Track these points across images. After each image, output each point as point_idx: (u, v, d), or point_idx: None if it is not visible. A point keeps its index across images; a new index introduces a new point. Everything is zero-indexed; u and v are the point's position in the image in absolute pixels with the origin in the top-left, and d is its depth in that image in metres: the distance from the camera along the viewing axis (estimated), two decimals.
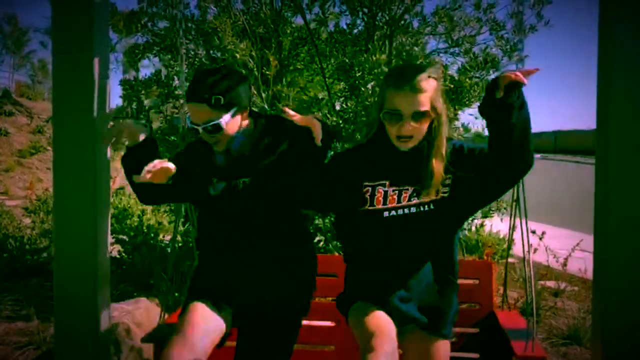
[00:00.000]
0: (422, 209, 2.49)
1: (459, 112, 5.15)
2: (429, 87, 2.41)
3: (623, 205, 2.54)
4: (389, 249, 2.52)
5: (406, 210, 2.49)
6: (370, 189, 2.50)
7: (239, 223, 2.67)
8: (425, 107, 2.38)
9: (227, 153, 2.68)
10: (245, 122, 2.71)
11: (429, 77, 2.42)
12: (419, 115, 2.39)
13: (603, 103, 2.64)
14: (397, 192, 2.49)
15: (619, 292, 2.55)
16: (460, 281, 2.81)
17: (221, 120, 2.55)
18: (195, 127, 2.58)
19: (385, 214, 2.49)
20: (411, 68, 2.63)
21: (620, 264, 2.55)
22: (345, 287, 2.69)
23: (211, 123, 2.54)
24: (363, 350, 2.23)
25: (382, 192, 2.49)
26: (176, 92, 5.37)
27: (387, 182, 2.49)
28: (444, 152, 2.46)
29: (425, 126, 2.43)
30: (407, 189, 2.48)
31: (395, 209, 2.49)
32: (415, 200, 2.48)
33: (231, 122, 2.59)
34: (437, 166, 2.44)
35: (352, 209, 2.54)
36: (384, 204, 2.49)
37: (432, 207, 2.49)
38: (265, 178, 2.62)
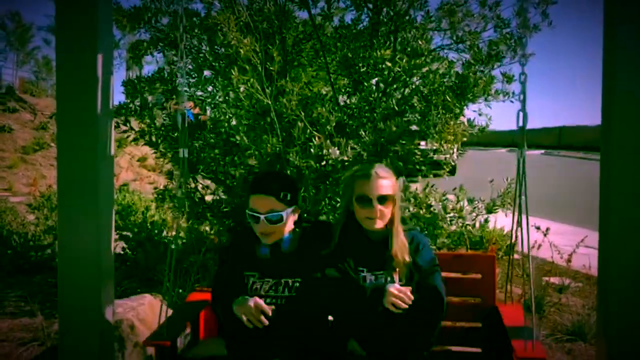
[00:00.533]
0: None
1: (464, 108, 5.13)
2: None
3: (627, 204, 2.53)
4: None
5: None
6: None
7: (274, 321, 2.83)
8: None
9: (275, 249, 2.99)
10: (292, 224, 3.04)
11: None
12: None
13: (607, 102, 2.62)
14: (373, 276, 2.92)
15: (623, 290, 2.54)
16: (462, 275, 3.26)
17: (284, 212, 2.91)
18: (257, 215, 2.90)
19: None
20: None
21: (623, 263, 2.53)
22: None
23: (275, 213, 2.89)
24: None
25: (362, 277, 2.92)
26: (179, 89, 5.36)
27: (366, 269, 2.93)
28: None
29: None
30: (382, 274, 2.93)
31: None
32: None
33: (290, 218, 2.97)
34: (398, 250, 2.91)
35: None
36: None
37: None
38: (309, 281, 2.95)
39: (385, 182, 2.91)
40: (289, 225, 3.01)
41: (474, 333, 3.37)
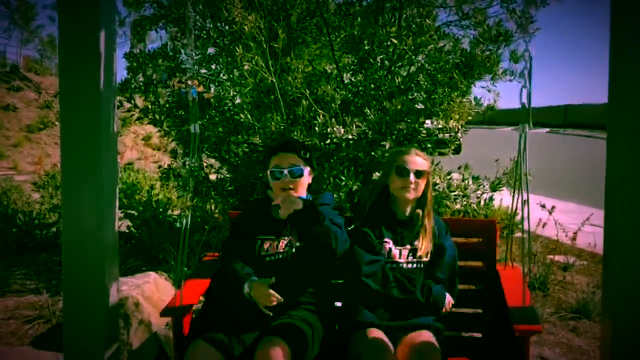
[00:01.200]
0: (419, 266, 3.16)
1: (471, 86, 5.09)
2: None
3: (634, 181, 2.50)
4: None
5: (407, 265, 3.15)
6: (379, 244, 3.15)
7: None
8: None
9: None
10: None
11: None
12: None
13: (614, 79, 2.59)
14: (398, 250, 3.16)
15: (629, 268, 2.52)
16: (464, 239, 3.49)
17: (305, 168, 3.20)
18: (280, 169, 3.15)
19: (388, 265, 3.11)
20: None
21: (629, 241, 2.52)
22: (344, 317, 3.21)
23: (297, 167, 3.17)
24: None
25: (387, 247, 3.15)
26: (183, 66, 5.33)
27: (391, 241, 3.16)
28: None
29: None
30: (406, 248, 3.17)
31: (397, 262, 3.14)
32: (411, 258, 3.15)
33: (306, 176, 3.23)
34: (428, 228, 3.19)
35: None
36: (389, 257, 3.14)
37: (421, 266, 3.17)
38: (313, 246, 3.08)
39: (423, 161, 3.22)
40: (305, 187, 3.24)
41: (475, 295, 3.54)
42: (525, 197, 2.90)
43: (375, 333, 2.89)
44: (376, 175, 5.19)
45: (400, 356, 2.82)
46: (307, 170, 3.23)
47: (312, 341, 2.89)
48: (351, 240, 3.11)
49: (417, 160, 3.20)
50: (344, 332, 3.09)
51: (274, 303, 2.87)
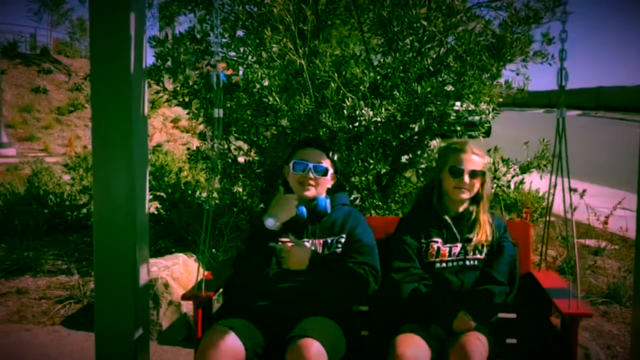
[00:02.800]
0: (467, 263, 3.01)
1: (502, 68, 5.03)
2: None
3: None
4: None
5: (454, 264, 3.02)
6: (425, 245, 3.04)
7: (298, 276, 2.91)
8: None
9: (313, 210, 3.03)
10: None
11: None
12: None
13: None
14: (448, 248, 3.03)
15: None
16: None
17: (330, 168, 3.06)
18: (306, 162, 3.02)
19: (437, 265, 3.01)
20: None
21: None
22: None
23: (323, 165, 3.03)
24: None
25: (435, 247, 3.03)
26: (211, 49, 5.33)
27: (440, 240, 3.04)
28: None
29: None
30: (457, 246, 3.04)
31: (446, 261, 3.01)
32: (462, 256, 3.02)
33: (330, 176, 3.09)
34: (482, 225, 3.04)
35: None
36: (436, 257, 3.02)
37: (476, 263, 3.01)
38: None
39: (478, 158, 3.06)
40: (325, 187, 3.10)
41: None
42: (565, 183, 2.83)
43: (414, 339, 2.69)
44: (405, 158, 5.16)
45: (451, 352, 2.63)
46: (332, 171, 3.10)
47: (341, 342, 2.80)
48: (392, 244, 3.05)
49: (473, 158, 3.04)
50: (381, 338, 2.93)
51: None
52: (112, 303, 3.06)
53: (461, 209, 3.09)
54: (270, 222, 2.90)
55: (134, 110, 2.97)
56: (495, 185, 5.24)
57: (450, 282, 2.96)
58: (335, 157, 3.12)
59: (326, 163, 3.05)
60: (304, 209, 2.98)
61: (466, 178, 2.99)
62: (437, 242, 3.02)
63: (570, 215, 2.71)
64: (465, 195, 3.04)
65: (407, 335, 2.69)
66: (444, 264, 3.00)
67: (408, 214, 3.27)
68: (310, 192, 3.03)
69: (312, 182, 3.02)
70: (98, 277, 3.09)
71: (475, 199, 3.09)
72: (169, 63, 5.48)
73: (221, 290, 3.16)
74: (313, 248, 2.98)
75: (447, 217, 3.06)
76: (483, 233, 3.02)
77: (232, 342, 2.61)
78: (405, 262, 2.98)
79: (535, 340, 2.87)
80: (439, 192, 3.12)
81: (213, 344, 2.59)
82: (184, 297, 3.07)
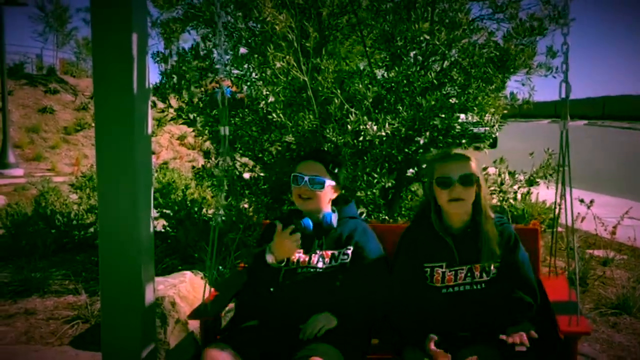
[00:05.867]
0: (475, 287, 2.80)
1: (506, 80, 5.03)
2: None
3: None
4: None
5: (461, 288, 2.81)
6: (429, 269, 2.84)
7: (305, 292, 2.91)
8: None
9: (318, 225, 3.01)
10: (329, 202, 3.11)
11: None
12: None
13: None
14: (453, 272, 2.82)
15: None
16: None
17: (327, 180, 3.01)
18: (302, 175, 3.00)
19: (443, 290, 2.81)
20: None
21: None
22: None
23: (319, 177, 2.99)
24: None
25: (440, 273, 2.82)
26: (215, 66, 5.34)
27: (444, 264, 2.82)
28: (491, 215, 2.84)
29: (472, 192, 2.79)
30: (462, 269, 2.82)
31: (452, 286, 2.81)
32: (469, 280, 2.81)
33: (329, 189, 3.04)
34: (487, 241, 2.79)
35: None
36: (442, 282, 2.81)
37: (483, 286, 2.80)
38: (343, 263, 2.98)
39: (466, 162, 2.82)
40: (326, 201, 3.07)
41: None
42: (567, 195, 2.81)
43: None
44: (410, 172, 5.16)
45: None
46: (330, 183, 3.03)
47: None
48: (394, 265, 2.94)
49: (460, 163, 2.80)
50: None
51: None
52: (118, 322, 3.06)
53: (463, 224, 2.86)
54: (270, 259, 2.88)
55: (137, 128, 2.98)
56: (502, 197, 5.22)
57: (458, 308, 2.77)
58: (336, 170, 3.07)
59: (323, 175, 3.01)
60: (310, 223, 2.97)
61: (457, 186, 2.76)
62: (441, 266, 2.82)
63: (572, 226, 2.69)
64: (464, 208, 2.81)
65: None
66: (450, 289, 2.80)
67: (408, 232, 3.02)
68: (310, 205, 3.02)
69: (308, 196, 3.00)
70: (104, 297, 3.09)
71: (476, 210, 2.83)
72: (174, 80, 5.50)
73: (231, 304, 3.16)
74: (322, 261, 2.98)
75: (449, 239, 2.84)
76: (489, 251, 2.78)
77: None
78: (404, 286, 2.86)
79: (543, 356, 2.81)
80: (437, 211, 2.88)
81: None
82: (191, 316, 3.07)
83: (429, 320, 2.72)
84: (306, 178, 2.99)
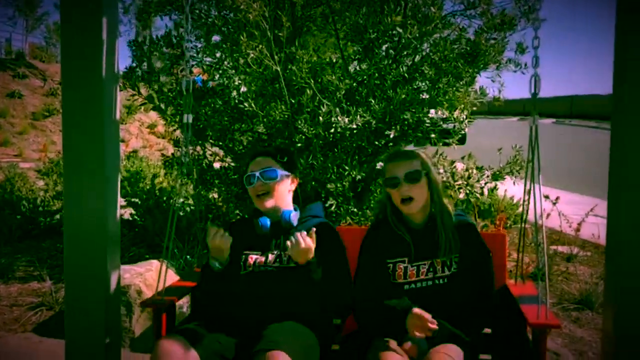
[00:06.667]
0: (437, 282, 2.81)
1: (476, 75, 5.07)
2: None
3: (636, 171, 2.48)
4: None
5: (424, 284, 2.81)
6: (391, 265, 2.86)
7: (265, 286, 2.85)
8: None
9: (276, 224, 2.96)
10: (290, 197, 3.06)
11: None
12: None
13: (620, 68, 2.56)
14: (415, 267, 2.83)
15: (631, 258, 2.50)
16: None
17: (279, 170, 2.96)
18: (253, 173, 2.95)
19: (406, 287, 2.81)
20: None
21: (632, 229, 2.50)
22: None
23: (270, 169, 2.94)
24: None
25: (402, 268, 2.83)
26: (187, 54, 5.30)
27: (406, 259, 2.84)
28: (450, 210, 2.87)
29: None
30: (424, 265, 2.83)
31: (414, 282, 2.82)
32: (431, 275, 2.81)
33: (284, 181, 3.00)
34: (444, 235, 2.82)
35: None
36: (405, 278, 2.82)
37: (445, 280, 2.81)
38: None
39: (411, 159, 2.85)
40: (284, 195, 3.02)
41: None
42: (536, 190, 2.83)
43: (386, 352, 2.56)
44: (380, 165, 5.18)
45: None
46: (283, 174, 2.98)
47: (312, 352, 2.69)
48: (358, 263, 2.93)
49: (405, 161, 2.84)
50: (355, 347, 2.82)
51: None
52: (82, 310, 3.02)
53: (422, 221, 2.89)
54: (214, 264, 2.86)
55: (105, 114, 2.94)
56: (469, 190, 5.26)
57: (420, 305, 2.68)
58: (285, 158, 3.02)
59: (275, 166, 2.97)
60: (267, 222, 2.93)
61: (404, 185, 2.79)
62: (403, 261, 2.84)
63: (542, 222, 2.72)
64: (414, 208, 2.83)
65: (389, 354, 2.55)
66: (412, 285, 2.81)
67: (370, 231, 3.02)
68: (269, 203, 2.97)
69: (264, 191, 2.95)
70: (68, 284, 3.05)
71: (432, 204, 2.87)
72: (145, 66, 5.44)
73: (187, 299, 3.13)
74: (278, 260, 2.91)
75: (407, 236, 2.85)
76: (447, 244, 2.80)
77: (183, 351, 2.52)
78: (368, 283, 2.86)
79: (510, 355, 2.83)
80: (395, 210, 2.91)
81: (164, 352, 2.51)
82: (144, 303, 3.04)
83: (394, 317, 2.69)
84: (257, 173, 2.94)
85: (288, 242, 2.75)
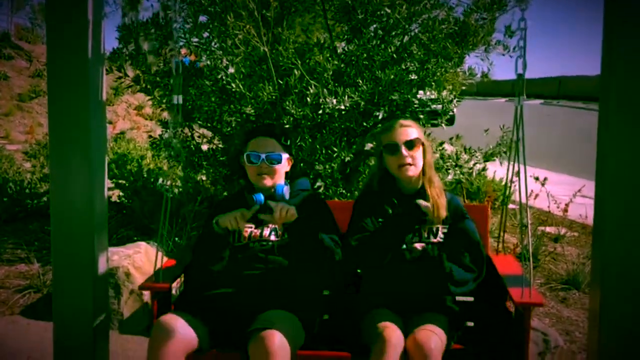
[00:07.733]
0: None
1: (465, 56, 5.06)
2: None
3: (624, 151, 2.49)
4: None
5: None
6: None
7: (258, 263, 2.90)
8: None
9: (270, 198, 2.96)
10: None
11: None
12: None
13: (607, 51, 2.56)
14: None
15: (618, 238, 2.52)
16: None
17: (283, 155, 3.04)
18: (257, 154, 2.99)
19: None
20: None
21: (619, 209, 2.51)
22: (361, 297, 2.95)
23: (276, 154, 3.01)
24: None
25: None
26: (175, 35, 5.26)
27: None
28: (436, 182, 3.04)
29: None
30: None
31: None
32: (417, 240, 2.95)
33: (285, 164, 3.07)
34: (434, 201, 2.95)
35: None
36: None
37: (430, 246, 2.95)
38: (299, 232, 2.92)
39: (410, 128, 3.02)
40: (282, 174, 3.09)
41: None
42: (521, 170, 2.87)
43: (385, 322, 2.61)
44: (369, 146, 5.17)
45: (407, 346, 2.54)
46: (285, 157, 3.07)
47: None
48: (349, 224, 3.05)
49: (404, 130, 3.00)
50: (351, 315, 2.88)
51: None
52: (70, 292, 3.02)
53: (414, 191, 3.03)
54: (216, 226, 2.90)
55: (92, 96, 2.92)
56: (457, 172, 5.27)
57: (413, 268, 2.87)
58: (288, 142, 3.12)
59: (279, 150, 3.03)
60: (261, 197, 2.95)
61: (404, 151, 2.95)
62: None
63: (526, 201, 2.74)
64: (412, 172, 2.98)
65: (389, 324, 2.59)
66: (404, 246, 2.92)
67: (360, 197, 3.18)
68: (268, 181, 3.02)
69: (267, 172, 3.01)
70: (56, 266, 3.04)
71: (425, 178, 3.03)
72: (131, 47, 5.39)
73: (182, 277, 3.14)
74: (274, 234, 2.98)
75: (395, 199, 3.01)
76: (435, 211, 2.92)
77: (183, 331, 2.57)
78: (361, 231, 2.96)
79: (492, 324, 2.86)
80: (387, 179, 3.07)
81: (164, 332, 2.55)
82: (142, 287, 3.05)
83: (389, 280, 2.86)
84: (263, 156, 2.99)
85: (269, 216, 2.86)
